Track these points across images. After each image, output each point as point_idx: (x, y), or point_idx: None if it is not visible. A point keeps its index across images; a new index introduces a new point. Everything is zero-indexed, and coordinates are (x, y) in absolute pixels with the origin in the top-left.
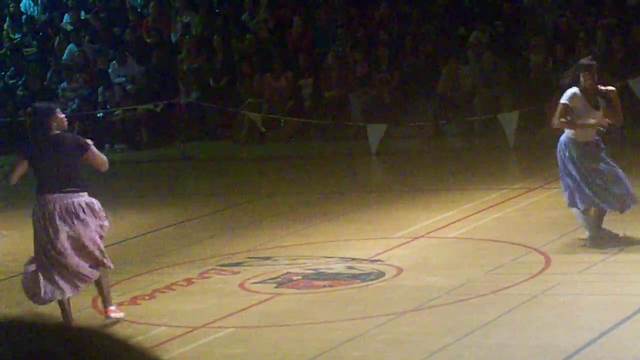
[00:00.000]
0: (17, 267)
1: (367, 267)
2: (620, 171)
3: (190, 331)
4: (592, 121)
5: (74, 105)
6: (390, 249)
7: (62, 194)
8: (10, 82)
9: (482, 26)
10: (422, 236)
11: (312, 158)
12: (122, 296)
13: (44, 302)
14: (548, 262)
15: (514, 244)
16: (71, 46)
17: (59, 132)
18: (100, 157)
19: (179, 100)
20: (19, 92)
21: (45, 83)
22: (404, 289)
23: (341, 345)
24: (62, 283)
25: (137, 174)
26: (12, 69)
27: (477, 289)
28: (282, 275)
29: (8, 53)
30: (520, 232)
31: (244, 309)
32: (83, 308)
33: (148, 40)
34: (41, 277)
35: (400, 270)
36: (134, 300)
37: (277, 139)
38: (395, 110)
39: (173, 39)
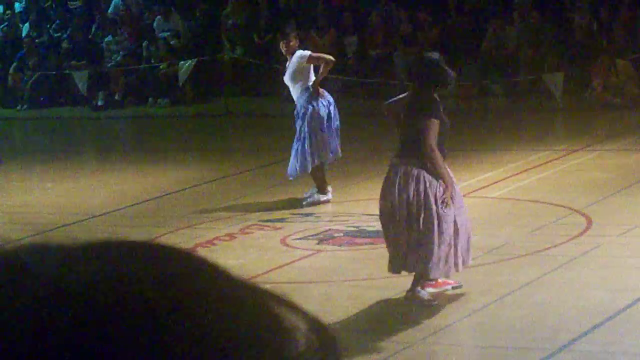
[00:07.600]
0: (58, 219)
1: None
2: None
3: None
4: None
5: (118, 59)
6: None
7: None
8: (55, 35)
9: None
10: (465, 195)
11: (356, 116)
12: None
13: None
14: (589, 223)
15: (555, 205)
16: (116, 0)
17: None
18: None
19: (224, 56)
20: (64, 45)
21: (90, 36)
22: None
23: (381, 302)
24: None
25: (180, 129)
26: (57, 22)
27: (518, 249)
28: (324, 231)
29: (53, 6)
30: (562, 194)
31: (285, 265)
32: None
33: None
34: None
35: None
36: None
37: None
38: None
39: None
